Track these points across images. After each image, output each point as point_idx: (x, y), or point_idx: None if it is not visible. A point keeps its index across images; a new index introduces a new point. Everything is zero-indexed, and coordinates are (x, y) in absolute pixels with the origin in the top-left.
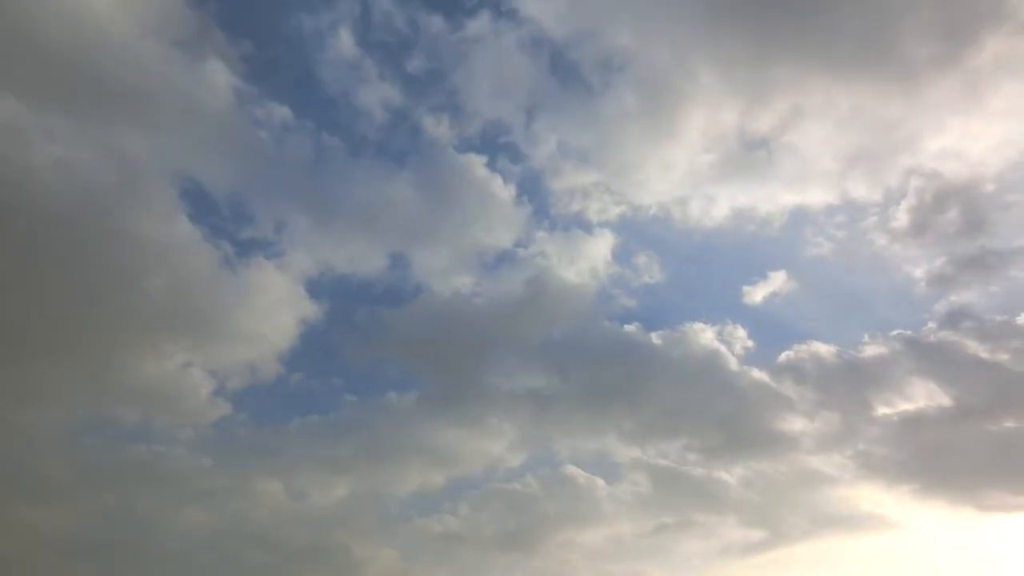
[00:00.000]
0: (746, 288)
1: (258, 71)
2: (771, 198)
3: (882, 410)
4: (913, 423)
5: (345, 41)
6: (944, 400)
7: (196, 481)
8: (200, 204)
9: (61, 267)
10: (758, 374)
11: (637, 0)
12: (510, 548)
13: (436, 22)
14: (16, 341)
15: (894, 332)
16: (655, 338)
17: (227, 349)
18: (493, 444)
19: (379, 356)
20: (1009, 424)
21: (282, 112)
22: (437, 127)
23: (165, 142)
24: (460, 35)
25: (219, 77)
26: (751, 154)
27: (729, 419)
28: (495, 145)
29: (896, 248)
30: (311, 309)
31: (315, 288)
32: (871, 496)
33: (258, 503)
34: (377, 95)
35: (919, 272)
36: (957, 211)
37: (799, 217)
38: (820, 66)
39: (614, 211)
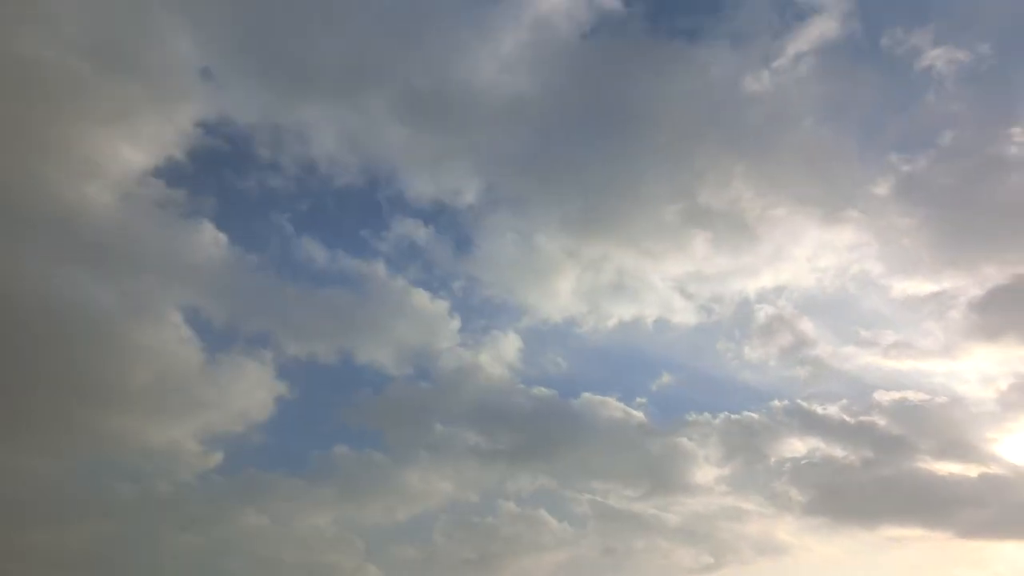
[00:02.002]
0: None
1: (242, 240)
2: (643, 320)
3: (777, 459)
4: (808, 470)
5: (291, 230)
6: (836, 452)
7: (189, 512)
8: (195, 320)
9: (82, 361)
10: (668, 434)
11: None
12: (479, 569)
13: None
14: (43, 410)
15: (774, 402)
16: (572, 405)
17: (215, 419)
18: (449, 486)
19: (343, 423)
20: (891, 471)
21: (258, 260)
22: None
23: (172, 280)
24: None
25: (214, 244)
26: (616, 290)
27: (651, 468)
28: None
29: (752, 356)
30: (284, 389)
31: (286, 373)
32: (790, 529)
33: (247, 530)
34: (324, 255)
35: (774, 375)
36: (790, 331)
37: (669, 330)
38: (634, 246)
39: (523, 321)
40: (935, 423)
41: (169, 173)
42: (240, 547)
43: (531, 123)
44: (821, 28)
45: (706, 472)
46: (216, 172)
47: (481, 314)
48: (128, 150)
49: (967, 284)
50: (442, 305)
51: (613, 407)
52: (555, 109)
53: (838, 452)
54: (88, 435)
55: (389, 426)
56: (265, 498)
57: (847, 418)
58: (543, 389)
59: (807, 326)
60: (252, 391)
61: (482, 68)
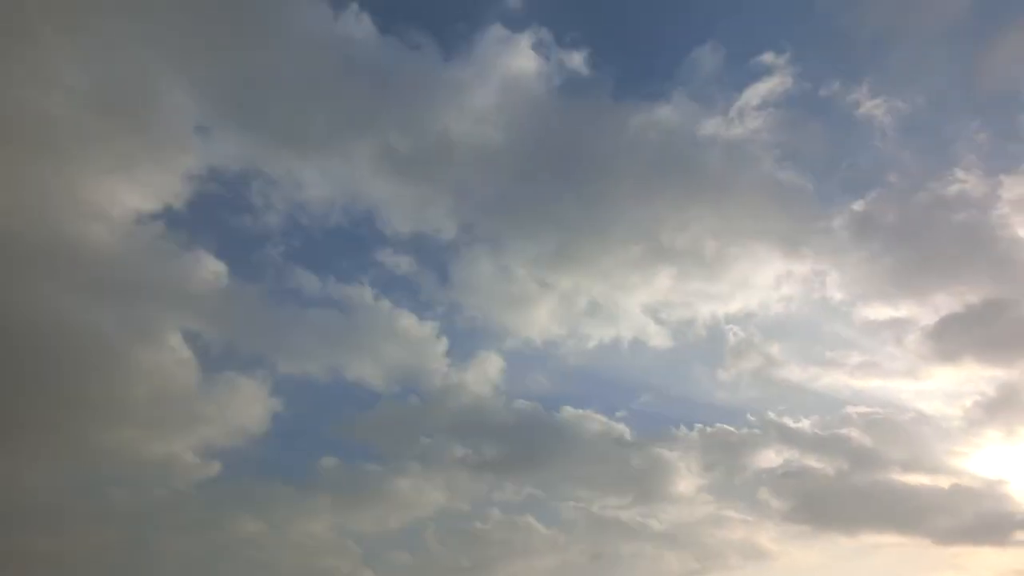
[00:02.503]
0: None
1: (239, 270)
2: (620, 342)
3: (756, 470)
4: (787, 480)
5: (284, 261)
6: (812, 463)
7: (188, 518)
8: (195, 342)
9: (89, 380)
10: (650, 446)
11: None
12: (471, 574)
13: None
14: (52, 424)
15: (748, 417)
16: (556, 419)
17: (213, 433)
18: (441, 495)
19: (336, 436)
20: (865, 482)
21: (256, 289)
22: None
23: (174, 306)
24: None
25: (211, 271)
26: (592, 316)
27: (634, 478)
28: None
29: (725, 376)
30: (279, 405)
31: (280, 391)
32: (772, 535)
33: (244, 537)
34: (316, 283)
35: (747, 393)
36: (759, 352)
37: (645, 352)
38: (606, 279)
39: (506, 343)
40: (905, 438)
41: (170, 212)
42: (239, 552)
43: (505, 170)
44: (771, 84)
45: (688, 482)
46: (214, 212)
47: (466, 337)
48: (133, 194)
49: (922, 311)
50: (429, 327)
51: (596, 421)
52: (527, 158)
53: (814, 464)
54: (93, 448)
55: (381, 439)
56: (262, 506)
57: (820, 432)
58: (528, 404)
59: (775, 348)
60: (248, 407)
61: (457, 121)
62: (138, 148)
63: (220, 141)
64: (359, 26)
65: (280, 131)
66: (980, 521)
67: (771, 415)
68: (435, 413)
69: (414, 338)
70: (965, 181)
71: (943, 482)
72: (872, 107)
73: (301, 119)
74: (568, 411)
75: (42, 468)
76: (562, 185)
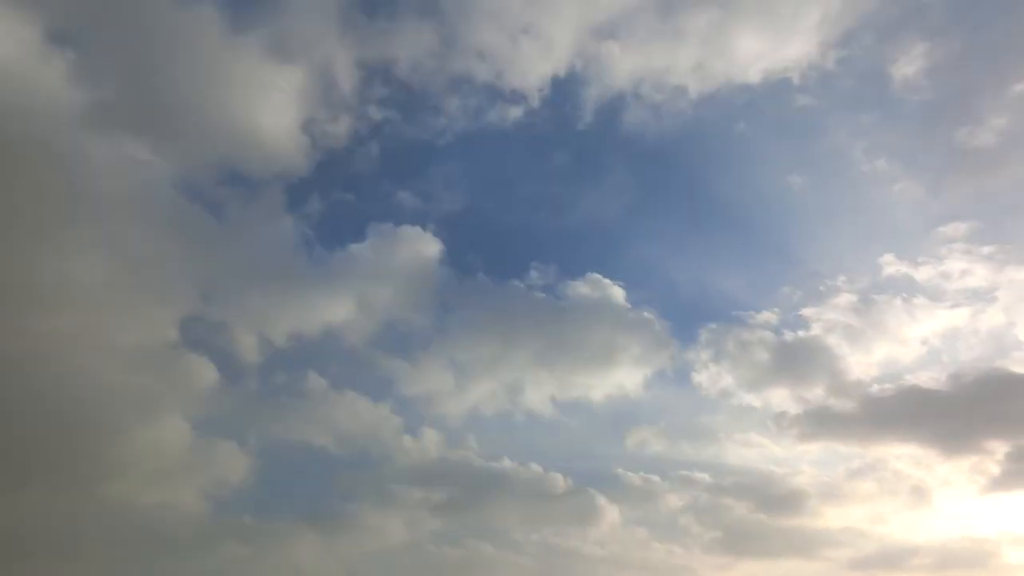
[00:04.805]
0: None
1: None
2: (537, 421)
3: (672, 509)
4: (702, 516)
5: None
6: (720, 505)
7: (182, 543)
8: (192, 421)
9: (106, 445)
10: (580, 490)
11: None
12: None
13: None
14: (77, 479)
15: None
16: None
17: (205, 482)
18: (405, 529)
19: (310, 485)
20: (769, 520)
21: (239, 383)
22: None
23: (177, 399)
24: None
25: (206, 376)
26: (507, 401)
27: (572, 514)
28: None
29: (625, 448)
30: (259, 463)
31: (261, 454)
32: (703, 561)
33: (234, 559)
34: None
35: (645, 459)
36: (648, 430)
37: (558, 428)
38: (504, 383)
39: (446, 419)
40: (791, 491)
41: (172, 341)
42: (230, 572)
43: (420, 313)
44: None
45: (620, 518)
46: (205, 340)
47: (412, 414)
48: (142, 329)
49: (769, 404)
50: (383, 408)
51: (532, 472)
52: (426, 310)
53: (721, 505)
54: (105, 494)
55: (351, 487)
56: (250, 535)
57: (720, 482)
58: (475, 458)
59: (662, 424)
60: (234, 464)
61: (378, 288)
62: (146, 300)
63: (208, 299)
64: (303, 234)
65: (246, 298)
66: (878, 553)
67: (671, 472)
68: (395, 468)
69: (370, 416)
70: (775, 312)
71: (833, 524)
72: None
73: (265, 291)
74: (507, 462)
75: (64, 508)
76: (460, 320)
